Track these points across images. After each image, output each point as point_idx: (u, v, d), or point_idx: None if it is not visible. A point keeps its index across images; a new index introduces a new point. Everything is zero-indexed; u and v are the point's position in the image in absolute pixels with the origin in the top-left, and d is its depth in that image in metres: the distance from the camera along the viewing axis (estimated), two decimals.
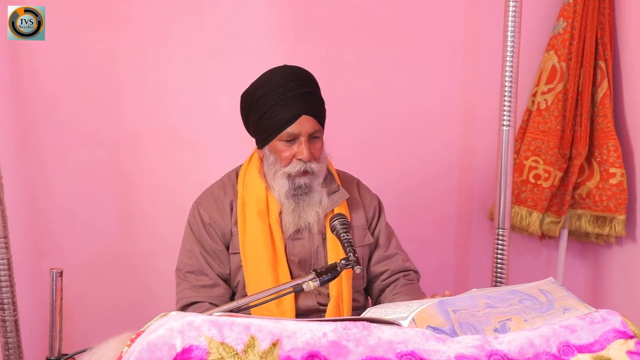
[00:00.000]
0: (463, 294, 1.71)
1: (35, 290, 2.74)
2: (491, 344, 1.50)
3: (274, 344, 1.42)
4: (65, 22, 2.72)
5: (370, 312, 1.72)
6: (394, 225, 2.31)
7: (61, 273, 1.90)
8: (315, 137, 2.06)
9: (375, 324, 1.50)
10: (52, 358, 1.87)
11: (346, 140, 2.88)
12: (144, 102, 2.84)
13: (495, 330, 1.57)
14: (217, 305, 1.96)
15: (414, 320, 1.55)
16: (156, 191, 2.89)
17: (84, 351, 1.64)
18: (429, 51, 2.97)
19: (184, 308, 2.05)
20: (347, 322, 1.48)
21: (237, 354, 1.40)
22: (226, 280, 2.12)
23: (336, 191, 2.14)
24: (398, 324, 1.54)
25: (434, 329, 1.54)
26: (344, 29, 2.92)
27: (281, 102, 2.02)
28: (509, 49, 2.54)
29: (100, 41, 2.77)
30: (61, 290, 1.90)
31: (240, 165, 2.21)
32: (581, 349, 1.54)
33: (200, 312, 1.71)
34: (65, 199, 2.82)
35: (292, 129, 2.02)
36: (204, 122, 2.87)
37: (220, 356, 1.39)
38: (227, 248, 2.12)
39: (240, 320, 1.44)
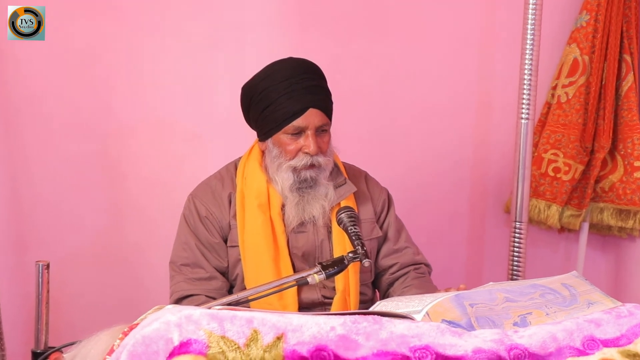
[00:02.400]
0: (480, 288, 1.68)
1: (16, 283, 2.69)
2: (511, 338, 1.45)
3: (279, 338, 1.37)
4: (53, 10, 2.61)
5: (380, 306, 1.69)
6: (404, 219, 2.28)
7: (48, 265, 1.89)
8: (323, 131, 2.06)
9: (386, 318, 1.46)
10: (38, 351, 1.85)
11: (354, 134, 2.84)
12: (137, 93, 2.78)
13: (515, 324, 1.53)
14: (214, 298, 1.95)
15: (428, 314, 1.50)
16: (149, 184, 2.83)
17: (71, 344, 1.61)
18: (444, 41, 2.94)
19: (179, 301, 2.02)
20: (357, 315, 1.44)
21: (238, 347, 1.35)
22: (224, 273, 2.10)
23: (343, 184, 2.13)
24: (411, 318, 1.49)
25: (450, 322, 1.49)
26: (352, 19, 2.88)
27: (287, 95, 2.01)
28: (528, 42, 2.56)
29: (90, 30, 2.71)
30: (47, 282, 1.88)
31: (239, 158, 2.19)
32: (607, 343, 1.49)
33: (196, 305, 1.70)
34: (50, 191, 2.76)
35: (299, 122, 2.01)
36: (199, 115, 2.83)
37: (220, 350, 1.35)
38: (225, 241, 2.10)
39: (242, 314, 1.40)
